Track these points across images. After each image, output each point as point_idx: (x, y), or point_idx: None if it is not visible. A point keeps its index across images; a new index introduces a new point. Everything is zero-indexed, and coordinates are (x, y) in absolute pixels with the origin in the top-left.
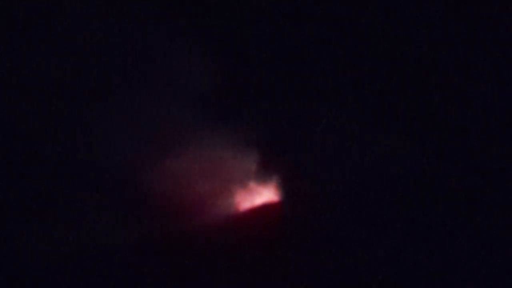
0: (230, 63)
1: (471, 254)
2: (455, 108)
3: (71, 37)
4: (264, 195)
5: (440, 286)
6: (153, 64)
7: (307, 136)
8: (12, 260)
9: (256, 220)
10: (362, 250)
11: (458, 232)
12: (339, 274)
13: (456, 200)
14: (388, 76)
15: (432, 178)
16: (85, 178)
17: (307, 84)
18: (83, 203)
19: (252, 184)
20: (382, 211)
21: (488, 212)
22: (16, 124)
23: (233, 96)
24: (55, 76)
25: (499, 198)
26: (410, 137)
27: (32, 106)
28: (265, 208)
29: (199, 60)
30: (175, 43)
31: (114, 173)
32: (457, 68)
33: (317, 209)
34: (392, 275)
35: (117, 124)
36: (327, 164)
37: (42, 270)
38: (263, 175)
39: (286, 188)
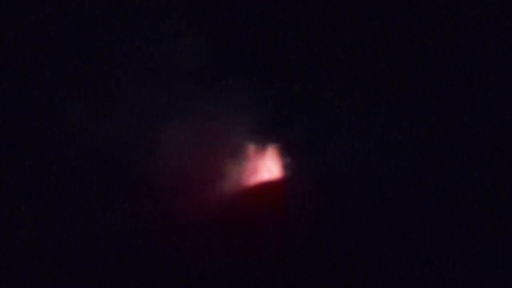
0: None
1: (470, 253)
2: (456, 105)
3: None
4: (267, 171)
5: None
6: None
7: (312, 112)
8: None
9: (259, 198)
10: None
11: (458, 230)
12: (344, 256)
13: (456, 197)
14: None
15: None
16: (79, 159)
17: (308, 58)
18: (79, 187)
19: (254, 161)
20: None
21: (489, 211)
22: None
23: (232, 71)
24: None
25: (500, 196)
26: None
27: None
28: (269, 185)
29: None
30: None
31: (108, 153)
32: (458, 64)
33: (322, 187)
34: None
35: (108, 102)
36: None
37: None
38: (265, 151)
39: (290, 164)
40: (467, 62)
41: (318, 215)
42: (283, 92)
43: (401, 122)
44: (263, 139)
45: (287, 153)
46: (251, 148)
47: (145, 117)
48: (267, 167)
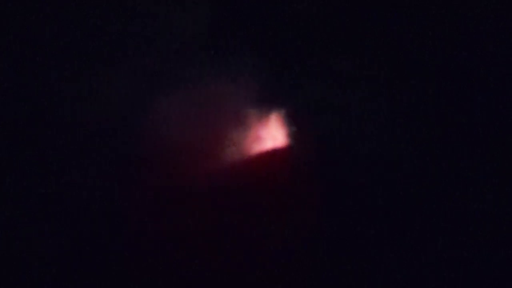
0: None
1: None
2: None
3: None
4: (271, 140)
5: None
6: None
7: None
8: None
9: (263, 167)
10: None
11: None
12: (349, 224)
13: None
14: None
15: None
16: (77, 128)
17: (313, 22)
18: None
19: (258, 129)
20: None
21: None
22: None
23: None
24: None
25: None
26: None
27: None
28: (274, 154)
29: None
30: None
31: (107, 122)
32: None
33: (327, 155)
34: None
35: (108, 70)
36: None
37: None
38: (269, 119)
39: (294, 132)
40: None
41: (323, 184)
42: (288, 58)
43: (410, 91)
44: (266, 107)
45: (292, 121)
46: (254, 115)
47: (146, 85)
48: (271, 135)
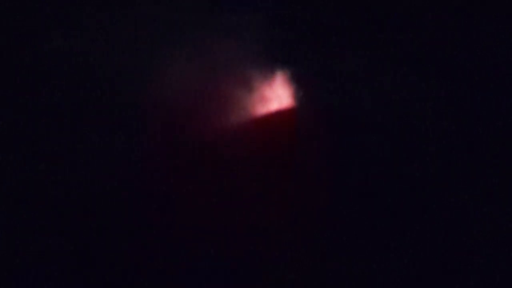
0: None
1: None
2: None
3: None
4: (276, 100)
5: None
6: None
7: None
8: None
9: (269, 129)
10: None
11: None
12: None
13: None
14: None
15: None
16: (81, 86)
17: None
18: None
19: (263, 89)
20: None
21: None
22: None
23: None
24: None
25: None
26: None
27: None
28: (279, 115)
29: None
30: None
31: (112, 82)
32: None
33: (332, 115)
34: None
35: (112, 30)
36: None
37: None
38: (274, 79)
39: (300, 94)
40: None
41: (328, 144)
42: (294, 20)
43: (413, 56)
44: (271, 68)
45: (297, 83)
46: (259, 77)
47: (150, 48)
48: (276, 96)
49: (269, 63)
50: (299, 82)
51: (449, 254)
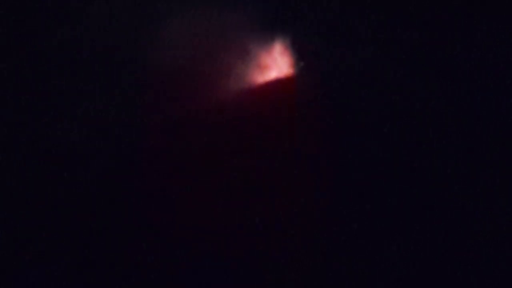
0: None
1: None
2: None
3: None
4: (275, 69)
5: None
6: None
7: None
8: None
9: (268, 97)
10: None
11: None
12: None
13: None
14: None
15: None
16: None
17: None
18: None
19: (262, 57)
20: None
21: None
22: None
23: None
24: None
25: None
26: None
27: None
28: (278, 83)
29: None
30: None
31: (111, 52)
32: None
33: (333, 82)
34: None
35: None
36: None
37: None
38: (274, 47)
39: (299, 62)
40: None
41: (328, 112)
42: None
43: (415, 28)
44: (271, 35)
45: (296, 50)
46: (258, 44)
47: (148, 14)
48: (276, 64)
49: (268, 31)
50: (299, 51)
51: (449, 254)
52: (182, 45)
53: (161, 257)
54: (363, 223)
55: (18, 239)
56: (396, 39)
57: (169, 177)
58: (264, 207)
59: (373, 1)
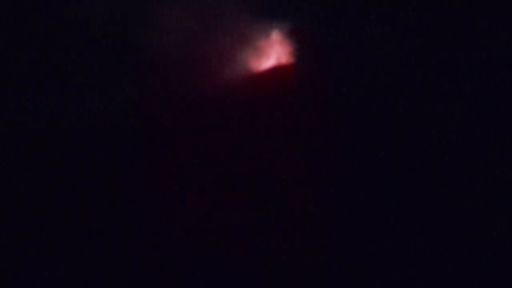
0: None
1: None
2: None
3: None
4: (274, 56)
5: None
6: None
7: None
8: None
9: (266, 83)
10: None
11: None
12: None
13: None
14: None
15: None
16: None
17: None
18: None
19: (261, 44)
20: None
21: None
22: None
23: None
24: None
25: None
26: None
27: None
28: (276, 70)
29: None
30: None
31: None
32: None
33: (330, 74)
34: None
35: None
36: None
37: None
38: (272, 34)
39: (298, 49)
40: None
41: (326, 97)
42: None
43: (415, 11)
44: (270, 22)
45: (295, 37)
46: (256, 31)
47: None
48: (274, 50)
49: (267, 17)
50: (297, 39)
51: (449, 253)
52: (181, 32)
53: (161, 256)
54: (363, 222)
55: (18, 239)
56: (398, 28)
57: (166, 165)
58: (262, 203)
59: None
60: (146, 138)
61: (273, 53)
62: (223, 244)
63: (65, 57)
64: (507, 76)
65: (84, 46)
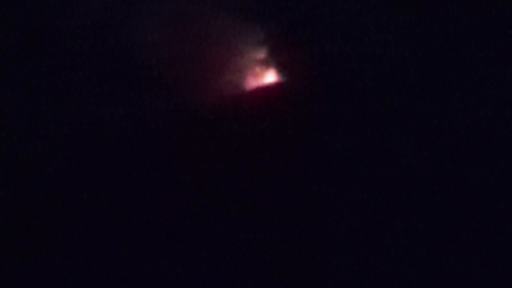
0: None
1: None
2: None
3: None
4: (268, 76)
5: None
6: None
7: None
8: None
9: (260, 101)
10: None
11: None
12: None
13: None
14: None
15: None
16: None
17: None
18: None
19: (256, 65)
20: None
21: None
22: None
23: None
24: None
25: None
26: None
27: None
28: (269, 89)
29: None
30: None
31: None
32: None
33: (322, 90)
34: None
35: None
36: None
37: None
38: (267, 55)
39: (290, 69)
40: None
41: (320, 105)
42: None
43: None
44: (264, 31)
45: (284, 41)
46: (251, 41)
47: (140, 19)
48: (266, 59)
49: (261, 27)
50: (286, 41)
51: (449, 253)
52: (173, 48)
53: (161, 256)
54: (363, 221)
55: (19, 240)
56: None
57: (164, 170)
58: (261, 203)
59: None
60: (142, 144)
61: (265, 61)
62: (223, 244)
63: (64, 63)
64: (507, 76)
65: (80, 53)
